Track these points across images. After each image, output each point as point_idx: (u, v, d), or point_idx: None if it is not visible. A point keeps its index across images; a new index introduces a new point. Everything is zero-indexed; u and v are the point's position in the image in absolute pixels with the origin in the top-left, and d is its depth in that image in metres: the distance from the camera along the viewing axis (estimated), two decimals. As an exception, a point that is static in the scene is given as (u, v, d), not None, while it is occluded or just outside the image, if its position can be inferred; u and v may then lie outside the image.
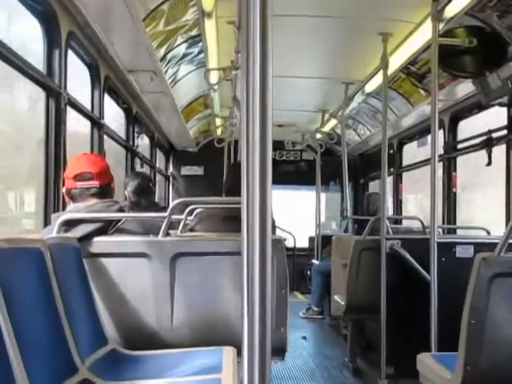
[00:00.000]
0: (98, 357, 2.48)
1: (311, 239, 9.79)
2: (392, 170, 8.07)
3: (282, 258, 2.97)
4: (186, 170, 10.46)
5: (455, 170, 6.13)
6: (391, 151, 8.00)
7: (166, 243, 2.97)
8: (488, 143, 5.20)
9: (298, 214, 11.60)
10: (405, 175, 8.14)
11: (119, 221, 3.10)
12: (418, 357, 3.08)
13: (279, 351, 3.02)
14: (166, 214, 3.07)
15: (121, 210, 3.16)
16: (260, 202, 1.29)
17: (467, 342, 2.54)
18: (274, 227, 6.34)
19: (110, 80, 5.00)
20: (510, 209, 4.85)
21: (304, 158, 10.81)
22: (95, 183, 3.06)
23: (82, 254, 2.77)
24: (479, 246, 3.82)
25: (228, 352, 2.61)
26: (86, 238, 2.88)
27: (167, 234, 3.13)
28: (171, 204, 3.11)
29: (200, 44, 5.00)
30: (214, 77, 5.75)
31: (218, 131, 9.20)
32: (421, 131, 7.05)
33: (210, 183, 9.10)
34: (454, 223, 6.11)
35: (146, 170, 7.26)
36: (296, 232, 10.68)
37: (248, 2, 1.32)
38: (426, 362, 2.99)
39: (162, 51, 4.72)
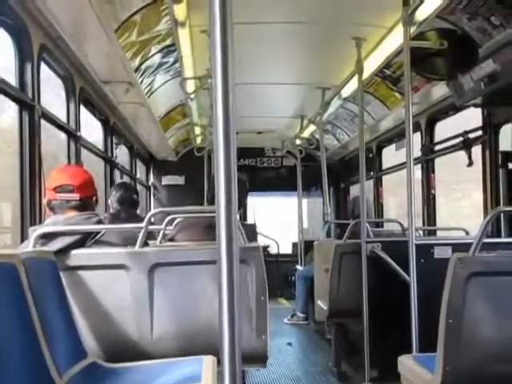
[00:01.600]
0: (76, 371, 2.45)
1: (294, 245, 9.80)
2: (372, 173, 8.13)
3: (259, 264, 2.96)
4: (166, 180, 10.43)
5: (433, 172, 6.18)
6: (370, 155, 8.06)
7: (144, 254, 2.96)
8: (464, 144, 5.25)
9: (281, 220, 11.62)
10: (389, 178, 8.18)
11: (98, 233, 3.09)
12: (399, 359, 3.08)
13: (260, 358, 3.01)
14: (143, 224, 3.05)
15: (100, 222, 3.14)
16: (226, 209, 1.30)
17: (445, 342, 2.55)
18: (255, 234, 6.35)
19: (85, 92, 4.98)
20: (487, 207, 4.91)
21: (285, 164, 10.84)
22: (75, 196, 3.03)
23: (58, 267, 2.74)
24: (457, 247, 3.83)
25: (208, 361, 2.60)
26: (64, 251, 2.86)
27: (146, 245, 3.12)
28: (148, 214, 3.10)
29: (175, 53, 5.00)
30: (190, 86, 5.76)
31: (198, 140, 9.19)
32: (398, 134, 7.10)
33: (192, 192, 9.09)
34: (434, 225, 6.16)
35: (126, 181, 7.22)
36: (280, 238, 10.69)
37: (211, 10, 1.33)
38: (407, 363, 2.99)
39: (137, 62, 4.71)
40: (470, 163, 5.06)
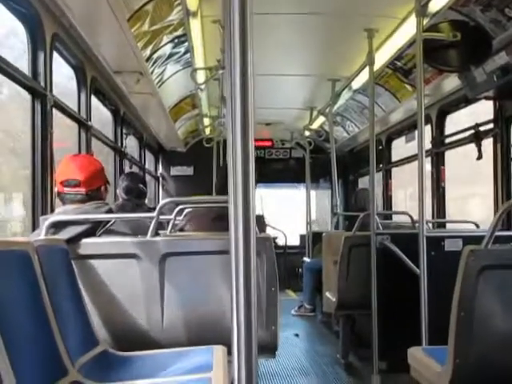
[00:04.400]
0: (88, 358, 2.48)
1: (302, 237, 9.80)
2: (381, 165, 8.11)
3: (270, 256, 2.97)
4: (175, 171, 10.44)
5: (443, 165, 6.16)
6: (380, 147, 8.03)
7: (155, 243, 2.97)
8: (476, 137, 5.22)
9: (290, 211, 11.62)
10: (398, 170, 8.16)
11: (108, 222, 3.10)
12: (409, 351, 3.09)
13: (270, 349, 3.02)
14: (154, 214, 3.07)
15: (110, 211, 3.15)
16: (243, 200, 1.30)
17: (456, 334, 2.55)
18: (263, 225, 6.36)
19: (96, 81, 4.98)
20: (497, 201, 4.89)
21: (293, 156, 10.82)
22: (81, 190, 3.04)
23: (70, 255, 2.76)
24: (468, 239, 3.82)
25: (218, 351, 2.61)
26: (75, 240, 2.87)
27: (156, 235, 3.13)
28: (160, 204, 3.11)
29: (186, 44, 4.99)
30: (201, 76, 5.75)
31: (207, 131, 9.19)
32: (409, 126, 7.08)
33: (200, 183, 9.10)
34: (444, 217, 6.14)
35: (133, 170, 7.24)
36: (288, 230, 10.69)
37: (226, 1, 1.32)
38: (417, 355, 3.00)
39: (148, 51, 4.70)
40: (480, 156, 5.04)
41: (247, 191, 1.30)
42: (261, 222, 6.13)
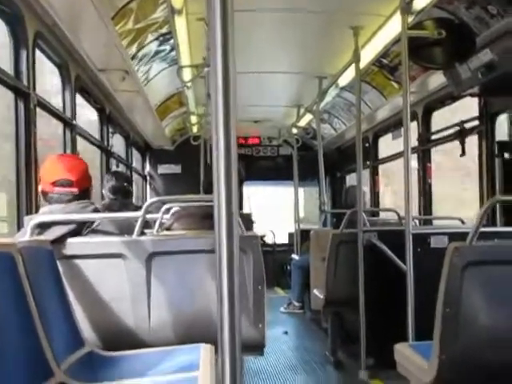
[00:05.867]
0: (74, 359, 2.46)
1: (291, 234, 9.81)
2: (368, 162, 8.13)
3: (257, 254, 2.97)
4: (163, 169, 10.41)
5: (430, 162, 6.19)
6: (367, 144, 8.05)
7: (141, 243, 2.96)
8: (461, 134, 5.25)
9: (278, 209, 11.64)
10: (387, 167, 8.19)
11: (93, 222, 3.08)
12: (395, 347, 3.10)
13: (258, 347, 3.02)
14: (140, 213, 3.05)
15: (96, 210, 3.14)
16: (226, 199, 1.30)
17: (441, 330, 2.56)
18: (251, 223, 6.36)
19: (81, 80, 4.95)
20: (483, 198, 4.92)
21: (281, 154, 10.83)
22: (74, 190, 3.02)
23: (55, 256, 2.74)
24: (453, 236, 3.85)
25: (206, 350, 2.61)
26: (60, 240, 2.85)
27: (142, 234, 3.12)
28: (146, 203, 3.10)
29: (171, 41, 4.98)
30: (187, 74, 5.73)
31: (194, 129, 9.17)
32: (395, 123, 7.10)
33: (188, 181, 9.09)
34: (430, 214, 6.17)
35: (122, 170, 7.21)
36: (276, 228, 10.70)
37: (210, -3, 1.31)
38: (403, 351, 3.01)
39: (133, 49, 4.68)
40: (463, 153, 5.07)
41: (230, 189, 1.30)
42: (248, 220, 6.14)
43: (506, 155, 4.44)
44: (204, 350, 2.61)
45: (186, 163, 10.00)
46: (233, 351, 1.31)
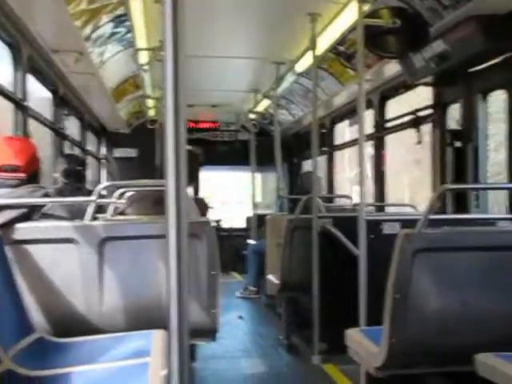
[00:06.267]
0: (22, 346, 2.42)
1: (248, 219, 9.84)
2: (325, 148, 8.19)
3: (211, 239, 2.96)
4: (118, 152, 10.28)
5: (384, 149, 6.27)
6: (324, 130, 8.11)
7: (94, 228, 2.92)
8: (415, 122, 5.33)
9: (236, 194, 11.66)
10: (344, 153, 8.25)
11: (43, 206, 3.02)
12: (347, 332, 3.15)
13: (210, 332, 3.03)
14: (93, 197, 3.01)
15: (47, 195, 3.08)
16: (175, 183, 1.29)
17: (391, 315, 2.61)
18: (206, 208, 6.35)
19: (33, 60, 4.82)
20: (435, 185, 5.01)
21: (239, 139, 10.81)
22: (21, 175, 2.95)
23: (3, 241, 2.68)
24: (406, 223, 3.92)
25: (158, 335, 2.60)
26: (9, 225, 2.79)
27: (95, 219, 3.08)
28: (97, 187, 3.05)
29: (127, 23, 4.89)
30: (144, 57, 5.65)
31: (151, 112, 9.07)
32: (352, 110, 7.15)
33: (144, 165, 9.00)
34: (383, 201, 6.26)
35: (71, 152, 7.07)
36: (234, 212, 10.72)
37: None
38: (354, 336, 3.06)
39: (88, 30, 4.58)
40: (419, 141, 5.15)
41: (179, 174, 1.29)
42: (203, 204, 6.12)
43: (457, 144, 4.53)
44: (156, 336, 2.60)
45: (143, 147, 9.89)
46: (181, 337, 1.31)
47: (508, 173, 3.98)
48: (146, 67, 5.98)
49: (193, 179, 8.57)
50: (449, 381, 2.92)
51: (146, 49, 5.37)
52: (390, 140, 6.37)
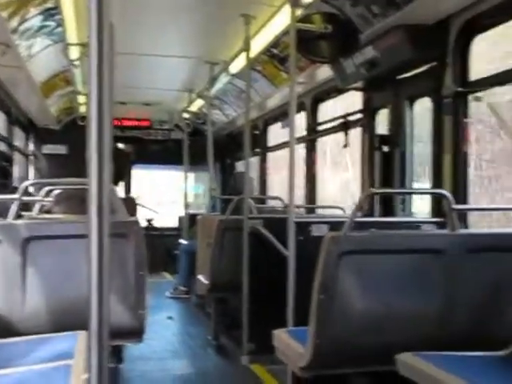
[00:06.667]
0: None
1: (180, 219, 9.77)
2: (258, 150, 8.24)
3: (139, 239, 2.93)
4: (48, 149, 10.01)
5: (315, 151, 6.36)
6: (257, 132, 8.16)
7: (17, 226, 2.83)
8: (346, 126, 5.44)
9: (169, 194, 11.57)
10: (277, 155, 8.30)
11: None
12: (274, 332, 3.18)
13: (137, 333, 2.99)
14: (17, 195, 2.93)
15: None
16: (97, 182, 1.27)
17: (316, 316, 2.65)
18: (135, 207, 6.26)
19: (-44, 51, 4.63)
20: (364, 189, 5.13)
21: (173, 138, 10.73)
22: None
23: None
24: (334, 225, 3.98)
25: (82, 337, 2.54)
26: None
27: (20, 217, 2.99)
28: (22, 185, 2.96)
29: (57, 17, 4.76)
30: (74, 52, 5.52)
31: (82, 109, 8.87)
32: (284, 112, 7.21)
33: (75, 163, 8.76)
34: (314, 202, 6.35)
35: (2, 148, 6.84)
36: (167, 212, 10.63)
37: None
38: (281, 337, 3.09)
39: (14, 23, 4.43)
40: (346, 145, 5.27)
41: (102, 172, 1.27)
42: (133, 204, 6.02)
43: (385, 148, 4.65)
44: (81, 338, 2.54)
45: (73, 144, 9.66)
46: (101, 339, 1.29)
47: (431, 178, 4.12)
48: (76, 63, 5.84)
49: (123, 178, 8.44)
50: (372, 380, 2.99)
51: (77, 44, 5.25)
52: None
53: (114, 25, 3.34)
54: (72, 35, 5.19)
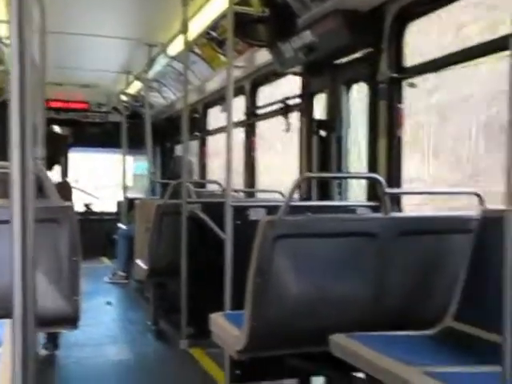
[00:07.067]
0: None
1: (119, 203, 9.63)
2: (197, 134, 8.18)
3: (72, 224, 2.86)
4: None
5: (254, 135, 6.36)
6: (196, 115, 8.09)
7: None
8: (285, 110, 5.45)
9: (108, 177, 11.38)
10: (217, 139, 8.25)
11: None
12: (211, 316, 3.19)
13: (71, 320, 2.94)
14: None
15: None
16: (19, 166, 1.23)
17: (253, 299, 2.67)
18: (69, 192, 6.10)
19: None
20: (302, 172, 5.16)
21: (111, 121, 10.53)
22: None
23: None
24: (272, 209, 3.99)
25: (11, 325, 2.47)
26: None
27: None
28: None
29: (-14, -7, 4.57)
30: (4, 30, 5.31)
31: (14, 89, 8.55)
32: (224, 96, 7.18)
33: (2, 146, 8.48)
34: (253, 186, 6.36)
35: None
36: (106, 196, 10.46)
37: None
38: (218, 320, 3.10)
39: None
40: (288, 129, 5.29)
41: (24, 155, 1.23)
42: (67, 188, 5.88)
43: (322, 133, 4.68)
44: (10, 326, 2.47)
45: (4, 126, 9.32)
46: (25, 327, 1.26)
47: (367, 162, 4.19)
48: (6, 41, 5.62)
49: (59, 161, 8.23)
50: (308, 361, 3.04)
51: (7, 21, 5.04)
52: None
53: (44, 2, 3.24)
54: (1, 11, 4.99)
